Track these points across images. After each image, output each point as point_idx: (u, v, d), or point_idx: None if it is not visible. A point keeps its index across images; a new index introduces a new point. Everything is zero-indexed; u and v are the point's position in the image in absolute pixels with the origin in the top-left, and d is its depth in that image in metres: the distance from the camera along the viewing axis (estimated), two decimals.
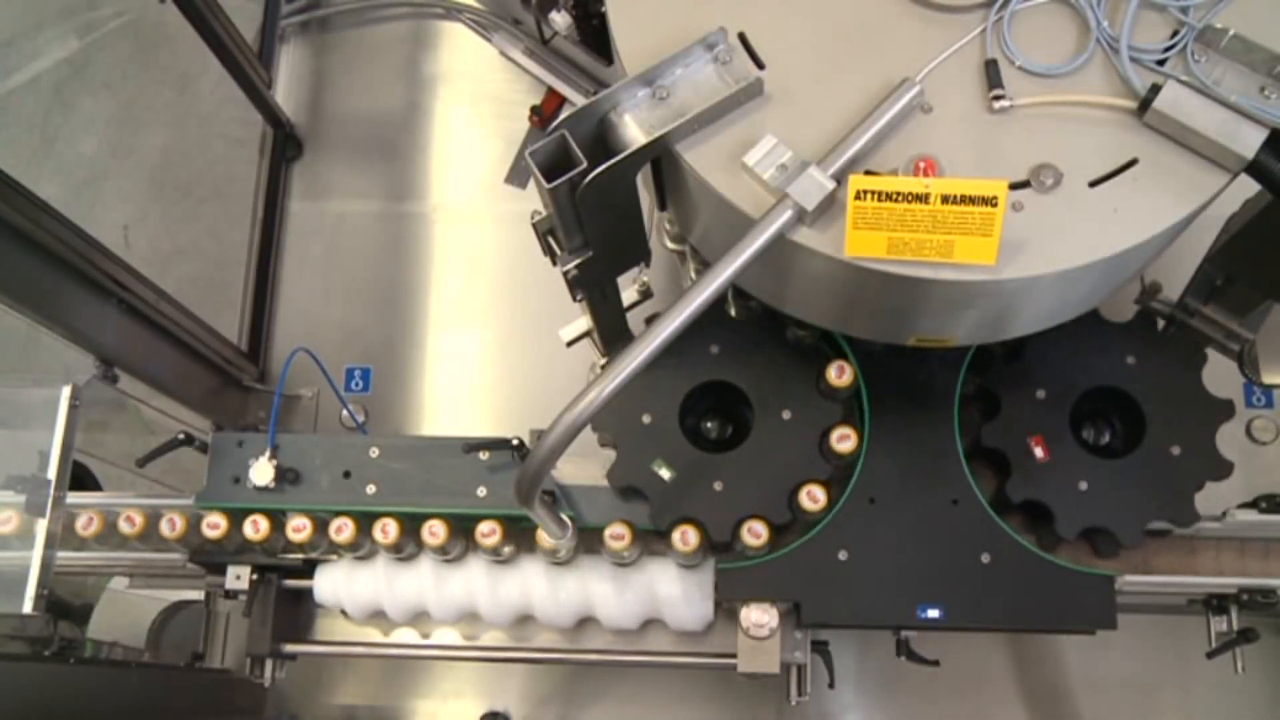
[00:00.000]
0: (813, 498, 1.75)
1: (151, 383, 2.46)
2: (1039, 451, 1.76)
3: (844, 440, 1.76)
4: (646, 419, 1.81)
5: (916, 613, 1.75)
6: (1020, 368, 1.81)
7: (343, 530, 1.89)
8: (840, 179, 1.33)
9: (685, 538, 1.77)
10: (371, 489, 1.91)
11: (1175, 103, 1.34)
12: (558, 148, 1.35)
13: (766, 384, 1.82)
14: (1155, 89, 1.35)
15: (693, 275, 1.91)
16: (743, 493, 1.78)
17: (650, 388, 1.81)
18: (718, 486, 1.78)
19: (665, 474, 1.78)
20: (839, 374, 1.77)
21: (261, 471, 1.91)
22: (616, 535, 1.82)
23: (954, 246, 1.31)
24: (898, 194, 1.29)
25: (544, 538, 1.82)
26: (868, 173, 1.36)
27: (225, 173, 3.37)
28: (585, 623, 2.03)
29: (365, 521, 1.92)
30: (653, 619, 1.98)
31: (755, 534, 1.75)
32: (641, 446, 1.80)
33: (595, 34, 2.73)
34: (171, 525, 1.95)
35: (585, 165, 1.34)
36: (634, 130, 1.38)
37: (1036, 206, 1.35)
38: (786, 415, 1.80)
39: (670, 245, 1.87)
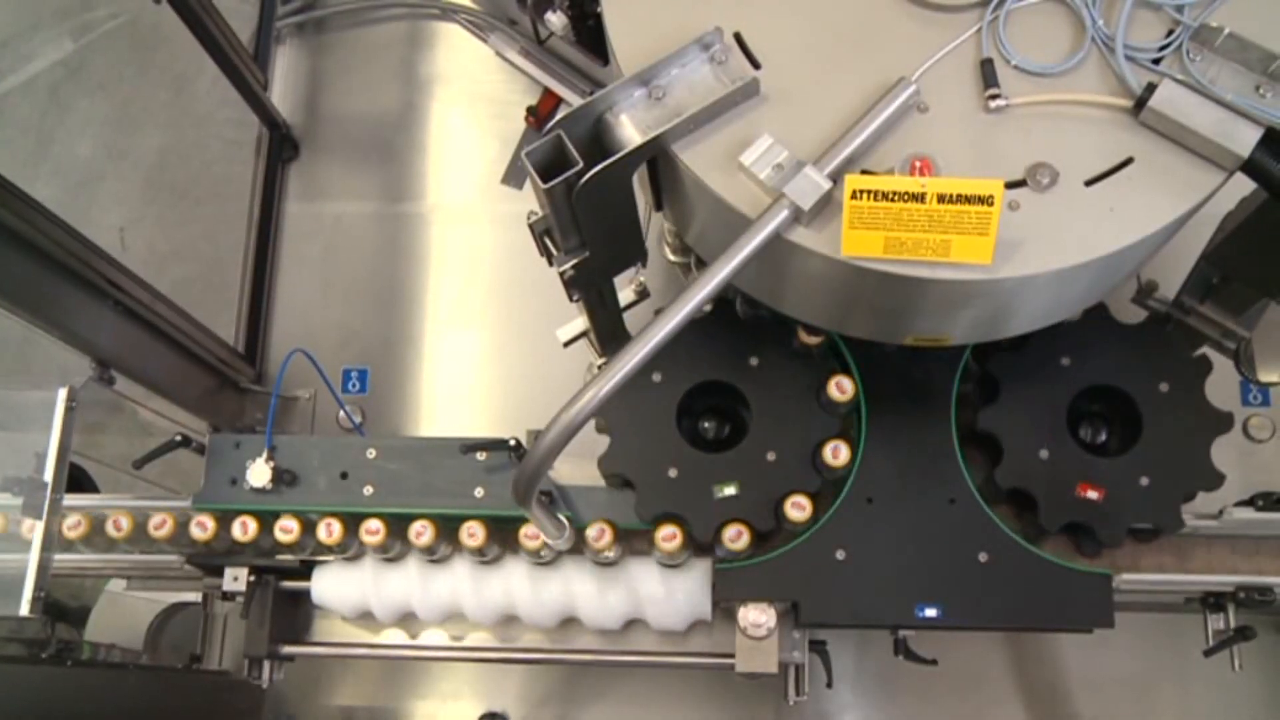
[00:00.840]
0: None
1: (148, 384, 2.45)
2: (1093, 494, 1.75)
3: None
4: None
5: (914, 612, 1.75)
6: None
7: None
8: (836, 178, 1.33)
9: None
10: (369, 490, 1.91)
11: (1171, 101, 1.34)
12: (554, 148, 1.35)
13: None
14: (1151, 88, 1.36)
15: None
16: (731, 496, 1.77)
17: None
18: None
19: (731, 490, 1.77)
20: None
21: (258, 473, 1.91)
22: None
23: (950, 246, 1.31)
24: (894, 193, 1.29)
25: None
26: (864, 172, 1.36)
27: (221, 174, 3.37)
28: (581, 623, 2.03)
29: (374, 523, 1.91)
30: (635, 619, 1.98)
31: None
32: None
33: (591, 34, 2.73)
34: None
35: (581, 166, 1.34)
36: (630, 130, 1.38)
37: (1033, 205, 1.35)
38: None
39: (672, 258, 1.87)
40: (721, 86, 1.40)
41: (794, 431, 1.79)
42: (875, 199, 1.29)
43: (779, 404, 1.80)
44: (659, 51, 1.38)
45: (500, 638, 2.09)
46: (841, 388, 1.77)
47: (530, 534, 1.84)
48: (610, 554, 1.87)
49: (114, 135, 3.50)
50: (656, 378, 1.81)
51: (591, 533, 1.82)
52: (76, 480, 2.29)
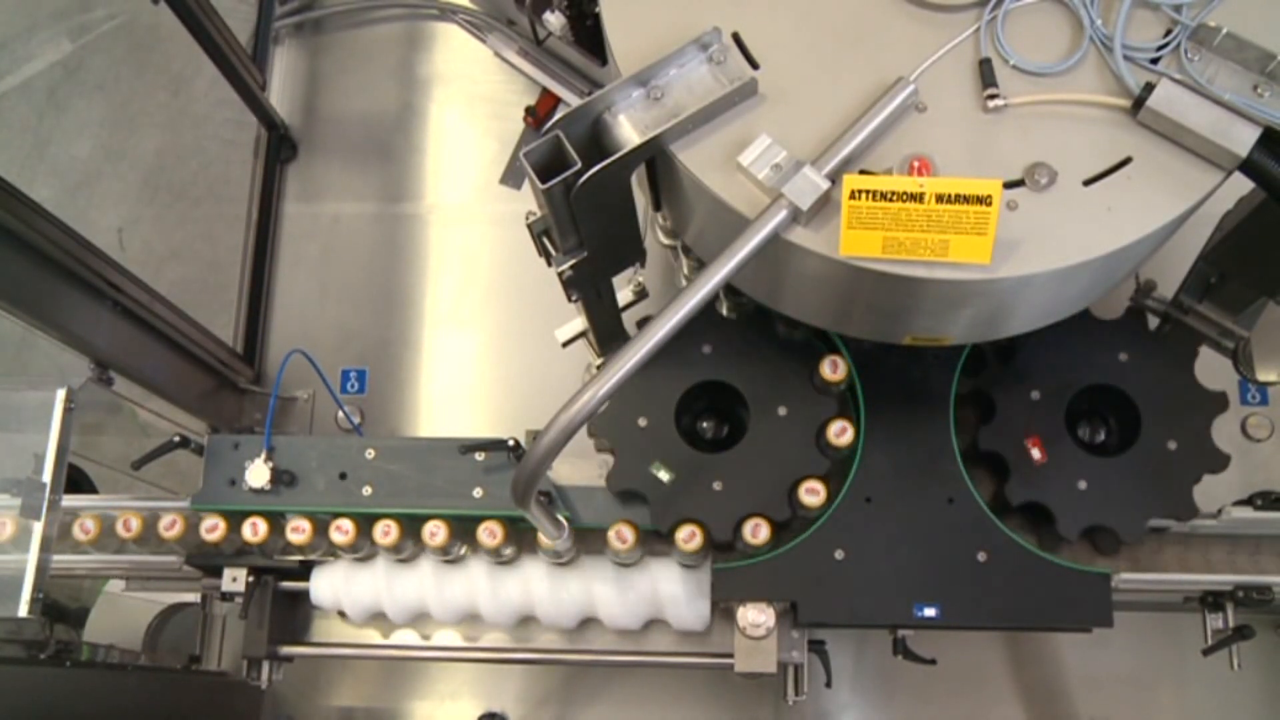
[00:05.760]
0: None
1: (147, 385, 2.45)
2: (1036, 453, 1.76)
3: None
4: (643, 422, 1.81)
5: (913, 612, 1.75)
6: (1014, 369, 1.81)
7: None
8: (835, 178, 1.33)
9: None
10: (367, 490, 1.91)
11: (1169, 101, 1.35)
12: (552, 148, 1.35)
13: (761, 381, 1.82)
14: (1149, 87, 1.36)
15: (685, 270, 1.91)
16: (742, 491, 1.78)
17: (645, 390, 1.81)
18: (717, 486, 1.78)
19: (664, 476, 1.78)
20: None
21: (257, 473, 1.91)
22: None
23: (949, 246, 1.31)
24: (892, 193, 1.29)
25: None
26: (863, 172, 1.36)
27: (220, 175, 3.37)
28: (584, 623, 2.03)
29: (364, 523, 1.91)
30: (655, 619, 1.98)
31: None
32: (639, 450, 1.80)
33: (589, 34, 2.74)
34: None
35: (580, 166, 1.34)
36: (628, 131, 1.38)
37: (1031, 205, 1.35)
38: (782, 412, 1.80)
39: (664, 240, 1.87)
40: (720, 86, 1.39)
41: (795, 418, 1.79)
42: (874, 199, 1.29)
43: (775, 394, 1.80)
44: (657, 51, 1.38)
45: (499, 638, 2.09)
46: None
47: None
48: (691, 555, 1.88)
49: (112, 136, 3.51)
50: (643, 423, 1.81)
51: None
52: (75, 481, 2.29)
